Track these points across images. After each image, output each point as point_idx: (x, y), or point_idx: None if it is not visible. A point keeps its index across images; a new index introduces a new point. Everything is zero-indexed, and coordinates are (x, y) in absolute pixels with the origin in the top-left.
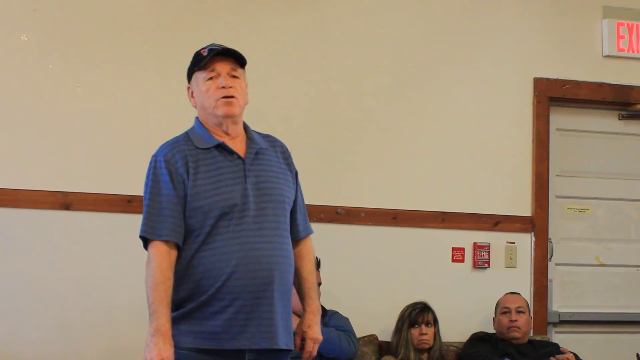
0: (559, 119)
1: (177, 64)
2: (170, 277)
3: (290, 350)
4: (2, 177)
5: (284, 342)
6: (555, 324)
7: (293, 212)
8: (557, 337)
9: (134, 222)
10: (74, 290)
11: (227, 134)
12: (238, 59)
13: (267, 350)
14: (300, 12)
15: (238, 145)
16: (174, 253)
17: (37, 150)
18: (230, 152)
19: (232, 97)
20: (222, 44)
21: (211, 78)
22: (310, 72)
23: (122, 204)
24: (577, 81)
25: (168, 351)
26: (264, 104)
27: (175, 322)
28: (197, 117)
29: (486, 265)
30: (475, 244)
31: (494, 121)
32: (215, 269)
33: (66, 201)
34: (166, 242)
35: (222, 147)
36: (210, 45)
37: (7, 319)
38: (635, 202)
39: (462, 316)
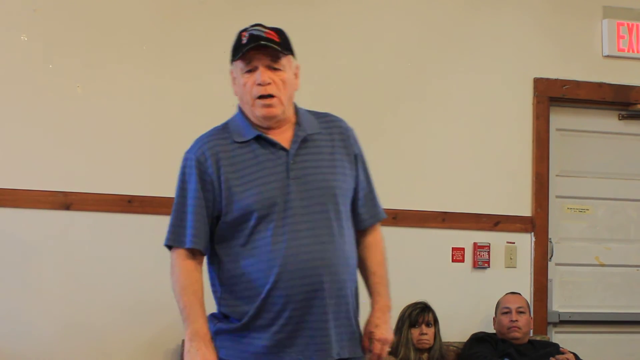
0: (559, 119)
1: (177, 64)
2: (198, 279)
3: (354, 358)
4: (2, 177)
5: (337, 352)
6: (555, 324)
7: (355, 200)
8: (557, 337)
9: (134, 222)
10: (75, 290)
11: (270, 127)
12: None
13: None
14: (299, 14)
15: (283, 134)
16: (198, 259)
17: (37, 150)
18: (272, 144)
19: (270, 96)
20: (264, 26)
21: (249, 71)
22: (308, 73)
23: (122, 204)
24: (577, 81)
25: (211, 354)
26: None
27: (220, 334)
28: (239, 105)
29: (486, 265)
30: (475, 244)
31: (494, 121)
32: (258, 279)
33: (66, 201)
34: (189, 249)
35: (262, 139)
36: (253, 28)
37: (8, 319)
38: (635, 202)
39: (462, 316)
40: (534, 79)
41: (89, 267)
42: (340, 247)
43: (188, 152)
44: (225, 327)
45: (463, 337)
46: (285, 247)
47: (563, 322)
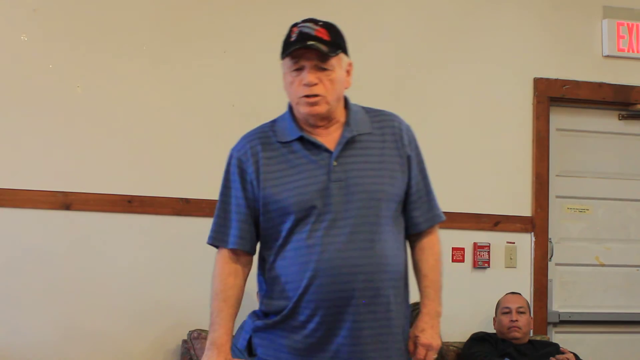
0: (559, 119)
1: (177, 64)
2: (234, 285)
3: None
4: (3, 177)
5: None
6: (555, 324)
7: (407, 202)
8: (557, 337)
9: (135, 222)
10: (75, 290)
11: (317, 126)
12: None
13: None
14: (300, 12)
15: (330, 135)
16: (242, 260)
17: (37, 151)
18: (316, 146)
19: (315, 96)
20: (316, 21)
21: (297, 70)
22: None
23: (123, 204)
24: (577, 81)
25: None
26: (261, 99)
27: (258, 331)
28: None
29: (486, 265)
30: (475, 244)
31: (494, 121)
32: (292, 281)
33: (66, 201)
34: (232, 249)
35: (305, 140)
36: (304, 24)
37: (8, 319)
38: (635, 202)
39: (462, 316)
40: (534, 78)
41: (89, 267)
42: (378, 253)
43: (232, 149)
44: (262, 324)
45: (463, 337)
46: (320, 252)
47: (563, 322)
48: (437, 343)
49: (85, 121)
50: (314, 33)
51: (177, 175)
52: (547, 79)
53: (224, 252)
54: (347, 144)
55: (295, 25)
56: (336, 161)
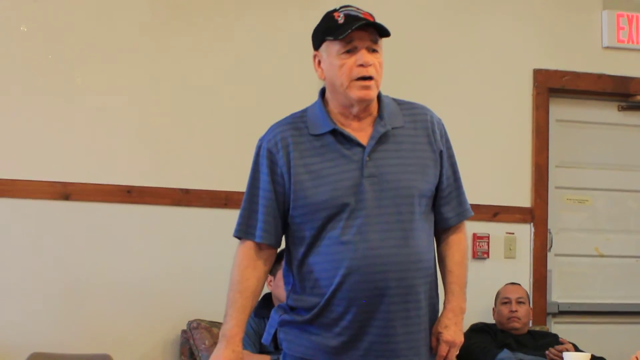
0: (559, 110)
1: (176, 55)
2: (251, 276)
3: None
4: (2, 168)
5: (407, 358)
6: (554, 315)
7: (437, 198)
8: (557, 327)
9: (134, 212)
10: (74, 280)
11: (355, 116)
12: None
13: None
14: (297, 5)
15: (363, 129)
16: (264, 254)
17: (36, 141)
18: (348, 139)
19: (370, 78)
20: (355, 7)
21: (348, 51)
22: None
23: (122, 194)
24: (576, 72)
25: (225, 357)
26: (261, 90)
27: (284, 325)
28: (320, 91)
29: (485, 255)
30: (474, 234)
31: (494, 112)
32: (324, 278)
33: (65, 191)
34: (256, 243)
35: (338, 133)
36: (345, 8)
37: (6, 309)
38: (634, 193)
39: None
40: (534, 70)
41: (88, 258)
42: (413, 250)
43: (261, 139)
44: (289, 318)
45: (462, 327)
46: (353, 249)
47: (562, 313)
48: (460, 340)
49: (84, 112)
50: (362, 15)
51: (177, 165)
52: (547, 70)
53: (248, 244)
54: (381, 138)
55: (334, 11)
56: (369, 156)
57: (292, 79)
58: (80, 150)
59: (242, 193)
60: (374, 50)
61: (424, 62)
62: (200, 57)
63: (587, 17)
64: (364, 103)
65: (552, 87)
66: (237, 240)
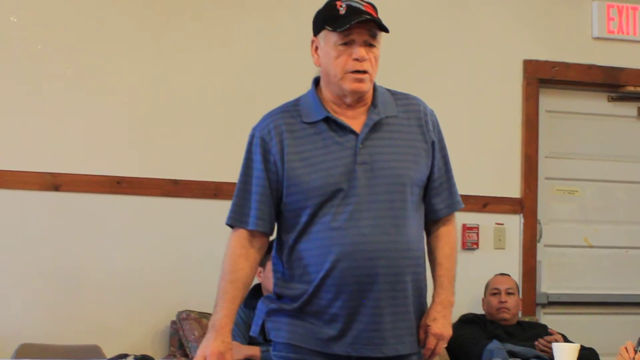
0: (549, 100)
1: (167, 47)
2: (243, 267)
3: (412, 354)
4: None
5: (393, 348)
6: (544, 305)
7: (428, 189)
8: (546, 318)
9: (123, 203)
10: (63, 271)
11: (348, 105)
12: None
13: (374, 358)
14: None
15: (357, 116)
16: (257, 242)
17: (26, 131)
18: (341, 127)
19: (364, 72)
20: None
21: (345, 43)
22: (298, 51)
23: (112, 185)
24: (566, 63)
25: (214, 347)
26: (252, 82)
27: (272, 314)
28: (314, 80)
29: (475, 246)
30: (464, 225)
31: (484, 103)
32: (314, 264)
33: (55, 182)
34: (248, 230)
35: (331, 121)
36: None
37: None
38: (624, 183)
39: None
40: (524, 60)
41: (77, 249)
42: (403, 238)
43: (255, 128)
44: (277, 307)
45: (452, 318)
46: (344, 235)
47: (552, 304)
48: (448, 333)
49: (74, 102)
50: (363, 8)
51: (166, 156)
52: (537, 61)
53: (240, 233)
54: (374, 126)
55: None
56: (362, 144)
57: (283, 71)
58: (70, 141)
59: (233, 184)
60: (371, 45)
61: (414, 53)
62: (190, 49)
63: (577, 7)
64: (357, 95)
65: (542, 77)
66: (227, 231)
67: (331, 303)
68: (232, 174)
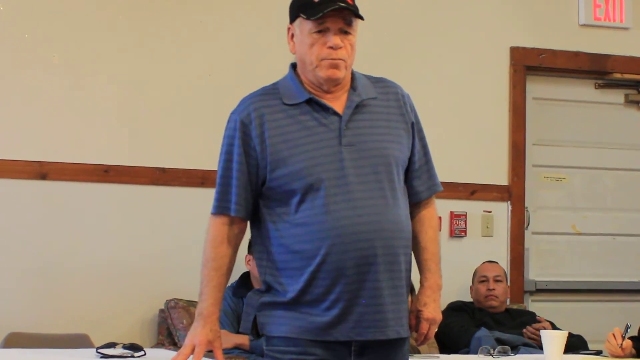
0: (536, 88)
1: (153, 33)
2: (227, 254)
3: (407, 338)
4: None
5: (395, 330)
6: (532, 293)
7: (409, 171)
8: (534, 305)
9: (111, 191)
10: (51, 260)
11: (325, 91)
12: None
13: (376, 341)
14: None
15: (337, 99)
16: (236, 227)
17: (12, 120)
18: (324, 108)
19: (339, 59)
20: None
21: (320, 31)
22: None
23: (99, 173)
24: (553, 50)
25: (203, 335)
26: (238, 69)
27: (264, 308)
28: (292, 65)
29: (463, 234)
30: (451, 212)
31: (471, 90)
32: (307, 250)
33: (42, 171)
34: (228, 216)
35: (314, 102)
36: None
37: None
38: (611, 170)
39: None
40: (511, 47)
41: (65, 237)
42: (395, 218)
43: (233, 112)
44: (269, 300)
45: (440, 306)
46: (339, 217)
47: (540, 291)
48: (439, 317)
49: (61, 91)
50: None
51: (154, 144)
52: (524, 48)
53: (221, 219)
54: (356, 108)
55: None
56: (346, 125)
57: (271, 58)
58: (57, 130)
59: None
60: (346, 32)
61: (400, 40)
62: (177, 37)
63: None
64: (332, 83)
65: (529, 65)
66: None
67: (330, 289)
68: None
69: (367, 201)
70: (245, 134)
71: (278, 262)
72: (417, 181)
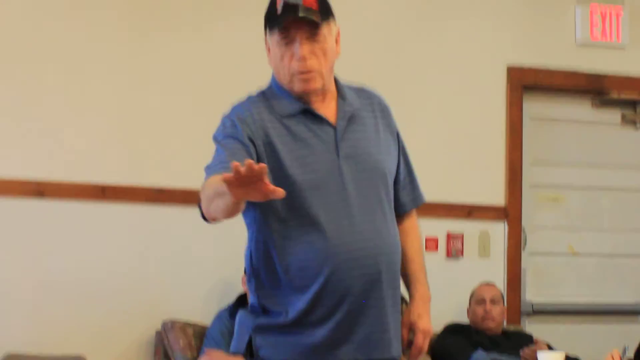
0: (533, 106)
1: (150, 55)
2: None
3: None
4: None
5: (396, 349)
6: (528, 314)
7: (396, 182)
8: (531, 327)
9: (108, 211)
10: (47, 280)
11: (309, 101)
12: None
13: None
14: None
15: (327, 107)
16: None
17: (9, 138)
18: (318, 119)
19: (309, 71)
20: None
21: (287, 43)
22: None
23: (96, 192)
24: (550, 69)
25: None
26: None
27: (261, 331)
28: (273, 74)
29: (460, 254)
30: (448, 233)
31: (467, 109)
32: (310, 268)
33: (39, 189)
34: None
35: (308, 113)
36: None
37: None
38: (608, 191)
39: (436, 306)
40: (507, 66)
41: (61, 256)
42: (393, 232)
43: (230, 113)
44: (266, 321)
45: (436, 326)
46: (342, 235)
47: (536, 312)
48: (432, 328)
49: (58, 109)
50: (300, 2)
51: (151, 164)
52: (521, 67)
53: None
54: (349, 118)
55: None
56: (342, 136)
57: (266, 78)
58: (54, 148)
59: None
60: (315, 40)
61: (397, 59)
62: (174, 57)
63: (561, 14)
64: (310, 94)
65: (526, 84)
66: (214, 239)
67: (336, 309)
68: None
69: (368, 216)
70: (251, 130)
71: (275, 283)
72: (403, 192)
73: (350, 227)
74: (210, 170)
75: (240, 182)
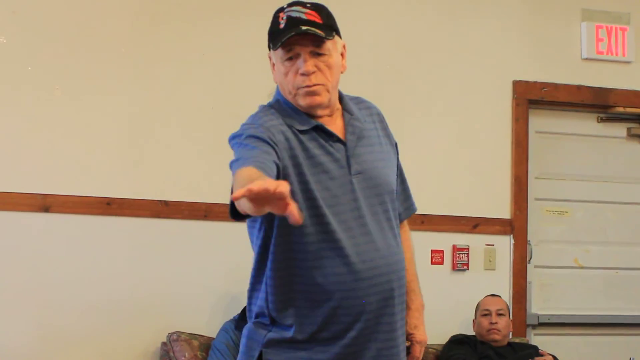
0: (538, 121)
1: (156, 67)
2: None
3: None
4: None
5: None
6: (534, 326)
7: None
8: (536, 339)
9: (113, 224)
10: (53, 292)
11: (320, 115)
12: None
13: None
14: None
15: (335, 123)
16: None
17: (16, 152)
18: (329, 135)
19: (315, 85)
20: (304, 3)
21: (290, 58)
22: None
23: (102, 206)
24: (556, 84)
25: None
26: (241, 101)
27: (272, 346)
28: (278, 88)
29: (465, 267)
30: (454, 246)
31: (473, 124)
32: (327, 284)
33: (45, 203)
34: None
35: (319, 129)
36: (291, 8)
37: None
38: (613, 204)
39: (441, 318)
40: (513, 81)
41: (67, 270)
42: (400, 249)
43: (252, 120)
44: (278, 336)
45: (442, 339)
46: (361, 252)
47: (542, 325)
48: (427, 339)
49: (63, 123)
50: (304, 17)
51: (156, 177)
52: (526, 82)
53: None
54: (359, 134)
55: (281, 10)
56: (352, 152)
57: (272, 92)
58: (59, 162)
59: (223, 205)
60: (320, 54)
61: (404, 72)
62: (180, 70)
63: (566, 28)
64: (315, 109)
65: (532, 98)
66: (218, 252)
67: (351, 326)
68: (222, 195)
69: (380, 233)
70: (276, 138)
71: (292, 297)
72: (397, 203)
73: (366, 245)
74: (238, 163)
75: (257, 201)
